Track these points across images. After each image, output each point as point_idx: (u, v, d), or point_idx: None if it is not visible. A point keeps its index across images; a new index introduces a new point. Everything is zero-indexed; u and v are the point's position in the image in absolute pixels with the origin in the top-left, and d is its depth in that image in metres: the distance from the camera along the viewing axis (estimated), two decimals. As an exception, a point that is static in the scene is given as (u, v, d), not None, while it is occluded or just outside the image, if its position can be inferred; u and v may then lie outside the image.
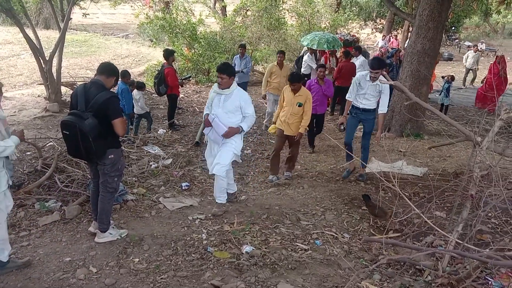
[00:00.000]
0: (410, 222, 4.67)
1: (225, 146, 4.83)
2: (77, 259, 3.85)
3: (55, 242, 4.14)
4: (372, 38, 26.39)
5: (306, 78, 10.01)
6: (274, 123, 6.18)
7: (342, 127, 6.24)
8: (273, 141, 6.47)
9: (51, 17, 18.61)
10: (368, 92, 5.78)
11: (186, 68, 13.57)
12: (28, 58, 14.83)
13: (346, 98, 6.11)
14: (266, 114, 8.94)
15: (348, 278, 3.65)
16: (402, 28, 23.39)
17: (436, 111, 4.90)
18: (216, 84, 4.83)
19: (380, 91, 5.76)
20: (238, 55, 9.84)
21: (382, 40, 20.01)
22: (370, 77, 5.69)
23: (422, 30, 8.14)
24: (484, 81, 12.20)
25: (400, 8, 14.63)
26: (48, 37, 16.86)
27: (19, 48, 16.98)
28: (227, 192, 5.08)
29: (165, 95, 8.41)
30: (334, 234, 4.55)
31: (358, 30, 21.42)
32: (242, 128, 4.79)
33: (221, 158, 4.79)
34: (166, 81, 7.99)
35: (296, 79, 5.81)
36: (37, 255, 3.90)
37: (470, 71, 15.61)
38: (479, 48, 17.94)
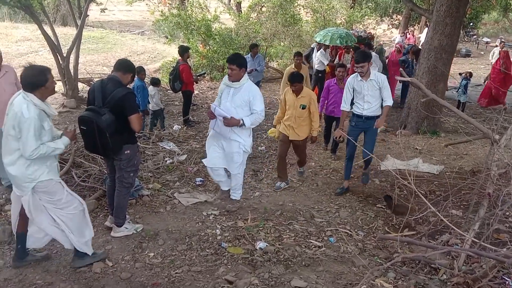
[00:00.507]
0: (425, 220, 4.64)
1: (233, 145, 4.61)
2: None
3: (72, 235, 4.21)
4: (388, 34, 26.11)
5: (320, 74, 10.01)
6: (274, 126, 5.79)
7: (341, 139, 5.81)
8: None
9: (68, 14, 18.84)
10: (367, 93, 5.16)
11: (201, 65, 13.60)
12: (46, 54, 15.05)
13: (341, 109, 5.50)
14: None
15: (362, 275, 3.64)
16: (418, 24, 23.05)
17: (453, 108, 4.84)
18: (226, 76, 4.59)
19: (380, 88, 5.15)
20: (249, 55, 9.49)
21: (401, 36, 19.71)
22: (359, 75, 5.15)
23: (440, 26, 8.01)
24: (488, 78, 11.78)
25: (417, 4, 14.42)
26: (65, 34, 17.07)
27: (37, 45, 17.26)
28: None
29: (180, 92, 8.45)
30: (348, 231, 4.53)
31: (374, 26, 21.19)
32: (243, 121, 4.41)
33: (233, 157, 4.68)
34: (181, 78, 8.02)
35: (297, 79, 5.31)
36: (54, 248, 3.98)
37: None
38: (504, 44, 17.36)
